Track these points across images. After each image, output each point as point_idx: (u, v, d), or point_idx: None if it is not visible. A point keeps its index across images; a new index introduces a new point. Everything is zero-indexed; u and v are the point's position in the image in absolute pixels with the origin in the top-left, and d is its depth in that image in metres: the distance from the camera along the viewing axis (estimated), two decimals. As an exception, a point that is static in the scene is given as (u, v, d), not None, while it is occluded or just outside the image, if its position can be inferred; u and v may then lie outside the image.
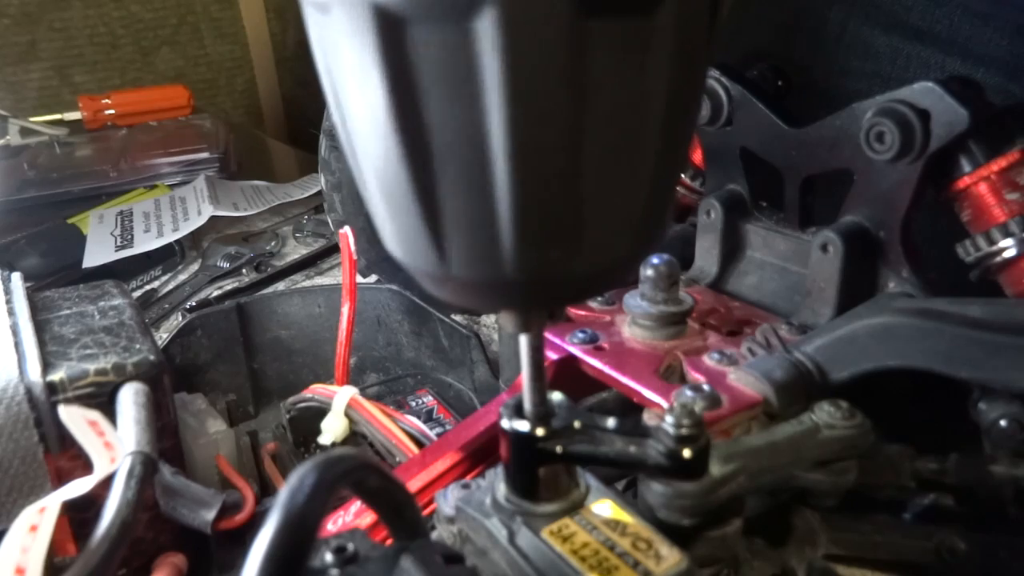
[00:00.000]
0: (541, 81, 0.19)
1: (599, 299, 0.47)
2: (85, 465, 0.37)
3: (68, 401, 0.38)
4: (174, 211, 0.96)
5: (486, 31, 0.18)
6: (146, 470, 0.36)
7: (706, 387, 0.37)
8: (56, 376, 0.38)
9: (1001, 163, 0.40)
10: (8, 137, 1.23)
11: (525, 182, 0.20)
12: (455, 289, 0.24)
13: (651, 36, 0.20)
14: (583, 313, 0.46)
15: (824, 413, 0.34)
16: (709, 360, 0.40)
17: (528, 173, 0.20)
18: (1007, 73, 0.51)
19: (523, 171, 0.20)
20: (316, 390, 0.52)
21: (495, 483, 0.31)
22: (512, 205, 0.21)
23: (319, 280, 0.85)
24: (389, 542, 0.28)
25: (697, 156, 0.56)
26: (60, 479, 0.38)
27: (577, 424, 0.29)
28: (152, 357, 0.40)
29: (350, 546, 0.26)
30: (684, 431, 0.28)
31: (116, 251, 0.86)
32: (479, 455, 0.41)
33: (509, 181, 0.20)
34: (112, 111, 1.30)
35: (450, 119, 0.20)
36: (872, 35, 0.57)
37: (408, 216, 0.22)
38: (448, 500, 0.32)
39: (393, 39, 0.19)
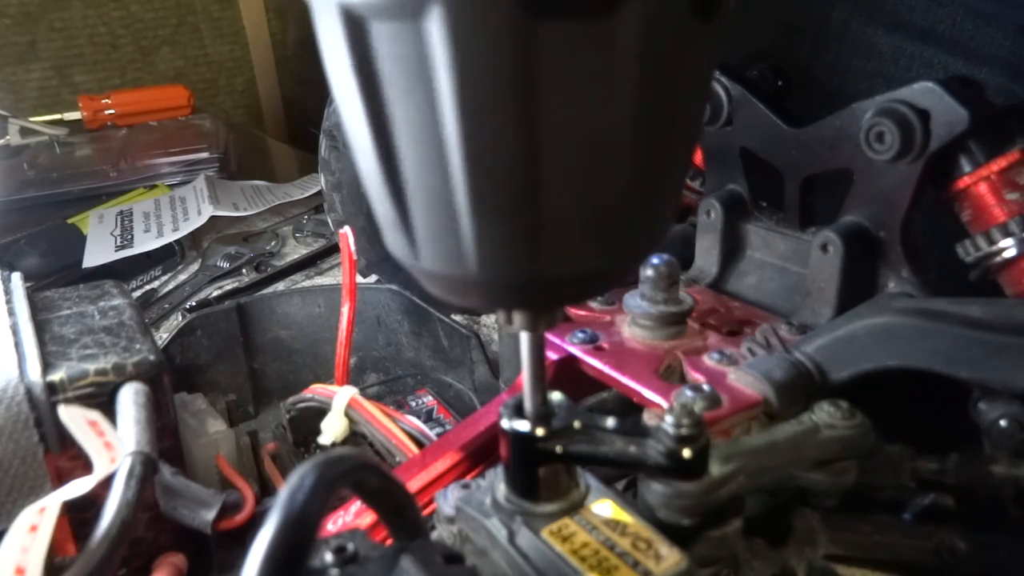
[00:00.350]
0: (658, 77, 0.19)
1: (599, 299, 0.47)
2: (85, 465, 0.37)
3: (68, 401, 0.38)
4: (174, 211, 0.96)
5: (630, 24, 0.18)
6: (146, 470, 0.36)
7: (706, 387, 0.37)
8: (56, 376, 0.38)
9: (1001, 163, 0.40)
10: (8, 137, 1.23)
11: (634, 173, 0.21)
12: (545, 290, 0.24)
13: (706, 36, 0.20)
14: (583, 313, 0.46)
15: (824, 413, 0.34)
16: (709, 360, 0.40)
17: (638, 165, 0.21)
18: (1010, 73, 0.51)
19: (635, 163, 0.20)
20: (316, 390, 0.52)
21: (495, 483, 0.31)
22: (616, 200, 0.21)
23: (319, 280, 0.85)
24: (389, 542, 0.28)
25: (697, 156, 0.56)
26: (60, 479, 0.38)
27: (577, 424, 0.29)
28: (152, 357, 0.40)
29: (350, 546, 0.26)
30: (684, 431, 0.28)
31: (116, 251, 0.86)
32: (479, 455, 0.41)
33: (624, 175, 0.20)
34: (112, 111, 1.30)
35: (575, 118, 0.20)
36: (875, 35, 0.57)
37: (507, 225, 0.21)
38: (448, 500, 0.32)
39: (355, 35, 0.18)
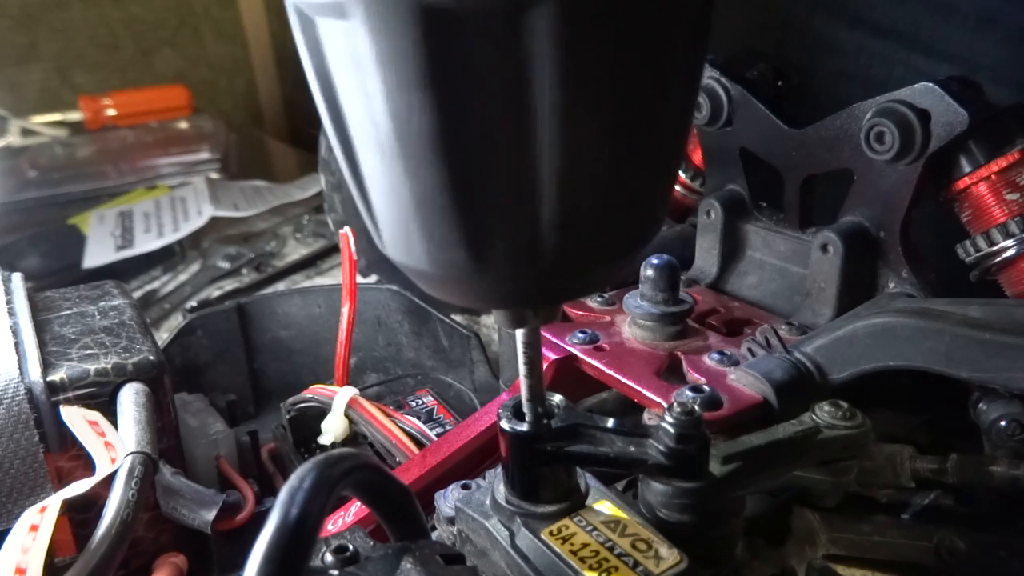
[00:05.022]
0: (592, 75, 0.19)
1: (599, 299, 0.47)
2: (85, 465, 0.37)
3: (68, 401, 0.38)
4: (174, 211, 0.97)
5: (543, 25, 0.18)
6: (146, 470, 0.36)
7: (706, 387, 0.37)
8: (56, 376, 0.38)
9: (1001, 163, 0.40)
10: (9, 138, 1.23)
11: (572, 177, 0.21)
12: (486, 290, 0.24)
13: (669, 33, 0.20)
14: (583, 313, 0.46)
15: (824, 413, 0.34)
16: (709, 360, 0.40)
17: (575, 168, 0.20)
18: (968, 68, 0.51)
19: (573, 166, 0.20)
20: (316, 390, 0.52)
21: (495, 484, 0.31)
22: (555, 202, 0.21)
23: (319, 280, 0.85)
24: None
25: (697, 156, 0.56)
26: (60, 479, 0.38)
27: (577, 425, 0.29)
28: (152, 357, 0.40)
29: (350, 546, 0.26)
30: (683, 430, 0.28)
31: (116, 251, 0.86)
32: (479, 455, 0.41)
33: (557, 178, 0.20)
34: (112, 112, 1.30)
35: (498, 118, 0.20)
36: (837, 32, 0.58)
37: (444, 221, 0.22)
38: (448, 501, 0.32)
39: (437, 39, 0.18)
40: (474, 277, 0.23)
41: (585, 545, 0.28)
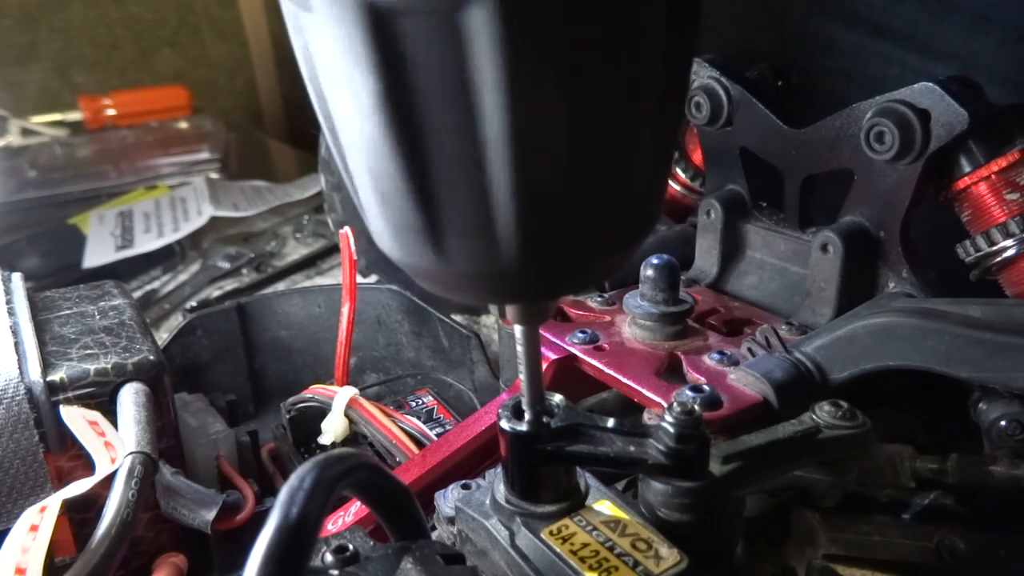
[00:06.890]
0: (538, 71, 0.19)
1: (599, 299, 0.47)
2: (85, 465, 0.37)
3: (68, 401, 0.38)
4: (174, 211, 0.97)
5: (480, 23, 0.18)
6: (146, 470, 0.36)
7: (706, 387, 0.37)
8: (56, 376, 0.38)
9: (1001, 163, 0.40)
10: (9, 138, 1.23)
11: (523, 172, 0.20)
12: (451, 283, 0.24)
13: (647, 21, 0.20)
14: (583, 313, 0.46)
15: (824, 413, 0.34)
16: (709, 360, 0.40)
17: (525, 163, 0.20)
18: (964, 68, 0.51)
19: (521, 161, 0.20)
20: (316, 390, 0.52)
21: (495, 484, 0.31)
22: (510, 195, 0.21)
23: (319, 280, 0.85)
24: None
25: (697, 156, 0.56)
26: (60, 479, 0.38)
27: (576, 424, 0.29)
28: (152, 357, 0.40)
29: (350, 546, 0.26)
30: (683, 430, 0.28)
31: (116, 251, 0.87)
32: (479, 455, 0.41)
33: (507, 171, 0.20)
34: (112, 111, 1.30)
35: (444, 112, 0.20)
36: (834, 31, 0.58)
37: (403, 212, 0.22)
38: (448, 500, 0.32)
39: (383, 34, 0.19)
40: (439, 269, 0.23)
41: (585, 545, 0.28)
